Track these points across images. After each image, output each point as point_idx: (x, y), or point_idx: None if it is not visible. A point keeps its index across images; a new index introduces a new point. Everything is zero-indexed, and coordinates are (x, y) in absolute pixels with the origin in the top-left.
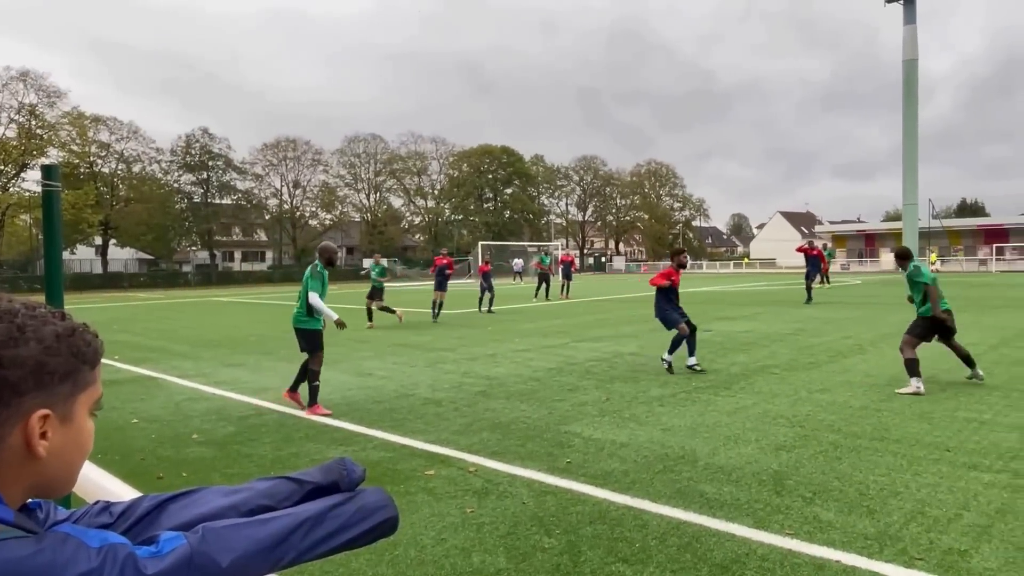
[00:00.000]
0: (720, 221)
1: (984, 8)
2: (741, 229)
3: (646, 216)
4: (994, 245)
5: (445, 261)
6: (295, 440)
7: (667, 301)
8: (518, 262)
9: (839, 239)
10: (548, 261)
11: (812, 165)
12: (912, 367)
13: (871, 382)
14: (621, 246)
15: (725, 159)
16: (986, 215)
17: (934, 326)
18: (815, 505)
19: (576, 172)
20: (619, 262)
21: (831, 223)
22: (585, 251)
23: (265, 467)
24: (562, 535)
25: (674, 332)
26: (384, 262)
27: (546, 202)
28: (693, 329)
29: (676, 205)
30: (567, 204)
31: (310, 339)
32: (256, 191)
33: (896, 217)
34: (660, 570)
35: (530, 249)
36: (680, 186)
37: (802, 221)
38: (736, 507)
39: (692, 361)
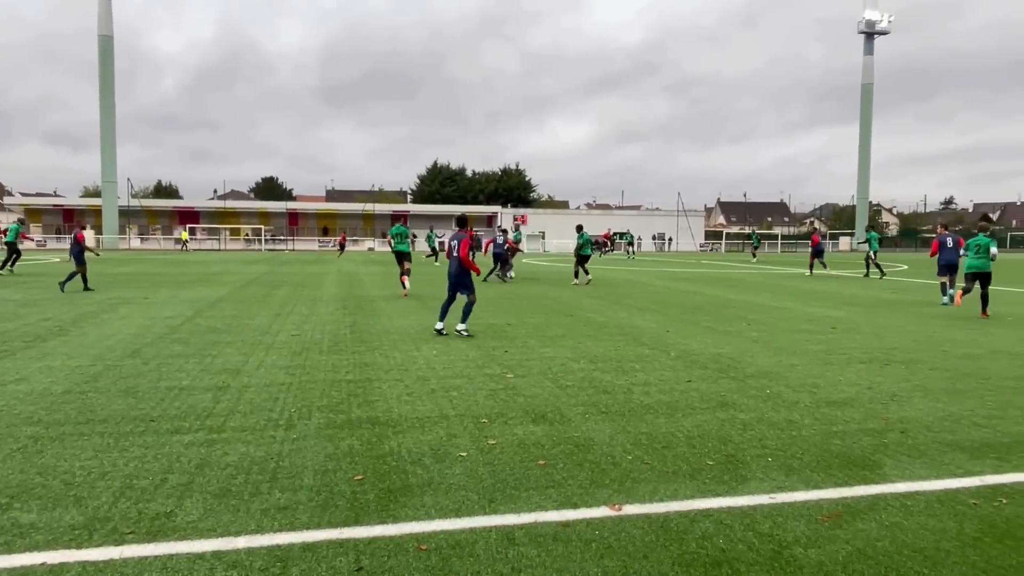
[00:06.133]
0: None
1: None
2: None
3: None
4: (188, 225)
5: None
6: None
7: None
8: None
9: (34, 213)
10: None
11: (14, 127)
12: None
13: (74, 364)
14: None
15: None
16: (180, 197)
17: None
18: (14, 510)
19: None
20: None
21: (24, 195)
22: None
23: None
24: None
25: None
26: None
27: None
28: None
29: None
30: None
31: None
32: None
33: (96, 193)
34: None
35: None
36: None
37: None
38: None
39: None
